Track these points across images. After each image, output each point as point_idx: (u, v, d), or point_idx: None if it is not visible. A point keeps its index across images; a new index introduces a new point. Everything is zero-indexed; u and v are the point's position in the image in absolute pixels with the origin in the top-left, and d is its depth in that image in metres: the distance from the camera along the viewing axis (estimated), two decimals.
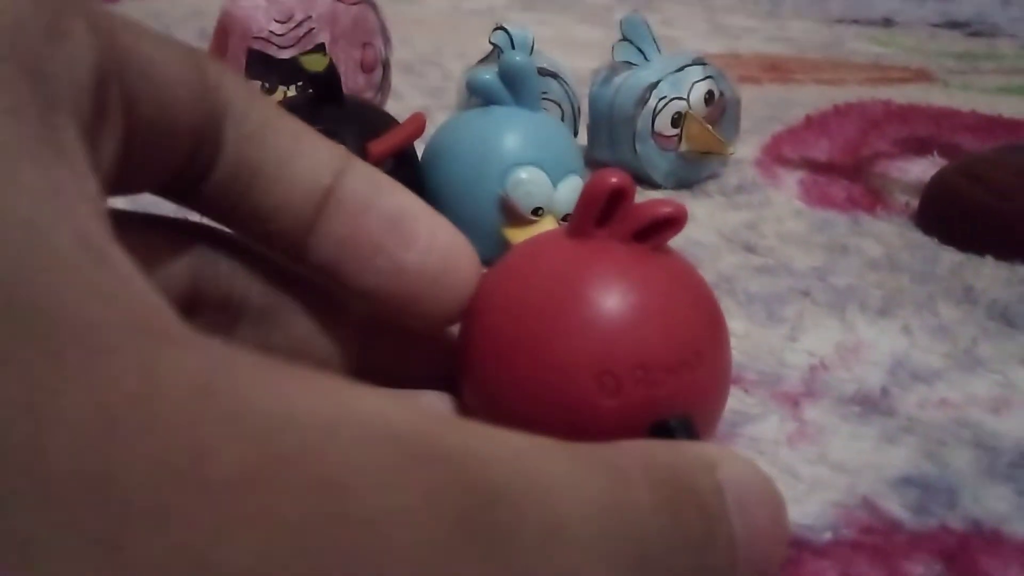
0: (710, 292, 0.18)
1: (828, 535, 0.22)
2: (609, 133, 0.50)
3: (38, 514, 0.07)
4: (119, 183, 0.14)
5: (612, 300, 0.17)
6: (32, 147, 0.10)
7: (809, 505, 0.23)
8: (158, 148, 0.14)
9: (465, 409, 0.19)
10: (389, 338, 0.19)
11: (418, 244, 0.17)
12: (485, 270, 0.18)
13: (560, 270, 0.17)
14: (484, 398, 0.18)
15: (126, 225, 0.11)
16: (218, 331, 0.18)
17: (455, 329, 0.19)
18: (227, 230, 0.18)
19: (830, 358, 0.31)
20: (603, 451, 0.12)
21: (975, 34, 1.04)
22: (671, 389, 0.16)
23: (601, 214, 0.17)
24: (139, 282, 0.10)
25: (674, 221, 0.17)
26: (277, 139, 0.16)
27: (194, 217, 0.17)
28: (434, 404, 0.19)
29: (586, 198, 0.17)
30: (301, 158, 0.16)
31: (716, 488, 0.12)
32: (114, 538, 0.07)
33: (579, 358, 0.16)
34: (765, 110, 0.65)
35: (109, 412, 0.08)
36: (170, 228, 0.17)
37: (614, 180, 0.17)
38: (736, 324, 0.33)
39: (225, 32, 0.45)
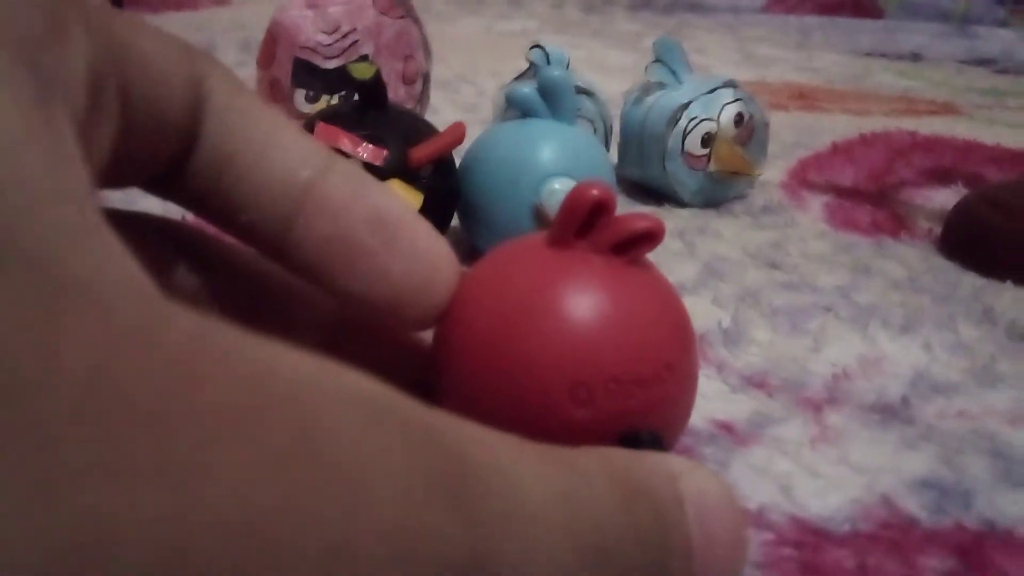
0: (683, 307, 0.18)
1: (847, 527, 0.23)
2: (639, 151, 0.51)
3: (48, 404, 0.08)
4: (113, 176, 0.14)
5: (588, 312, 0.17)
6: (33, 131, 0.10)
7: (829, 500, 0.24)
8: (150, 140, 0.15)
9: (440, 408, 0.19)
10: (357, 337, 0.19)
11: (402, 249, 0.17)
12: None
13: (538, 279, 0.17)
14: (458, 402, 0.18)
15: None
16: None
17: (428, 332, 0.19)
18: (195, 229, 0.18)
19: (852, 369, 0.32)
20: (567, 452, 0.13)
21: (1002, 71, 1.05)
22: (642, 402, 0.16)
23: (581, 225, 0.17)
24: (129, 256, 0.11)
25: (652, 235, 0.17)
26: (254, 131, 0.16)
27: (174, 210, 0.18)
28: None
29: (567, 209, 0.17)
30: (278, 151, 0.16)
31: (674, 496, 0.13)
32: (114, 439, 0.08)
33: (553, 368, 0.16)
34: (792, 136, 0.66)
35: (112, 350, 0.09)
36: (142, 223, 0.17)
37: (596, 192, 0.17)
38: (760, 334, 0.34)
39: (273, 40, 0.47)
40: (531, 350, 0.16)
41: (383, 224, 0.17)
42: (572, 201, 0.17)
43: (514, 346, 0.17)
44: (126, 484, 0.08)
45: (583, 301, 0.17)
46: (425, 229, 0.17)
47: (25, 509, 0.07)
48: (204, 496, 0.08)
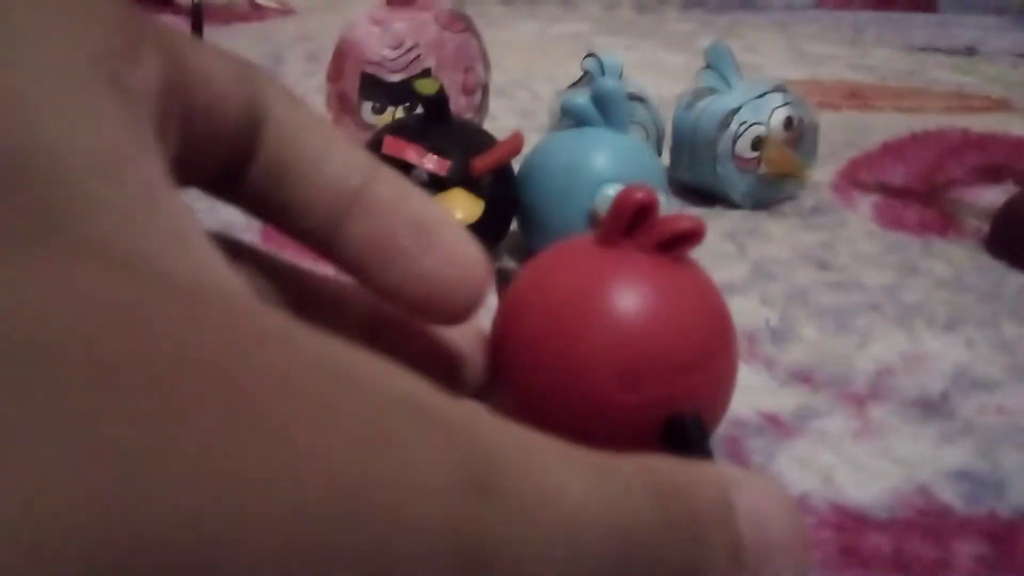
0: (722, 300, 0.20)
1: (885, 514, 0.25)
2: (691, 155, 0.53)
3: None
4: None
5: (635, 305, 0.18)
6: (129, 149, 0.12)
7: (869, 490, 0.26)
8: (208, 148, 0.16)
9: (497, 400, 0.20)
10: (394, 333, 0.21)
11: (437, 252, 0.18)
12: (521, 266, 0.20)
13: (589, 275, 0.19)
14: (516, 390, 0.19)
15: None
16: None
17: (470, 326, 0.20)
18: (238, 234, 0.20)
19: (896, 365, 0.34)
20: (603, 455, 0.13)
21: None
22: (684, 387, 0.18)
23: (628, 226, 0.19)
24: (220, 259, 0.12)
25: (693, 234, 0.18)
26: (310, 143, 0.18)
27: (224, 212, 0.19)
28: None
29: (615, 211, 0.19)
30: (331, 161, 0.18)
31: (717, 498, 0.14)
32: (234, 418, 0.09)
33: (603, 356, 0.18)
34: (843, 136, 0.67)
35: (211, 339, 0.10)
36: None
37: (640, 195, 0.18)
38: (807, 331, 0.36)
39: (342, 56, 0.49)
40: (582, 341, 0.18)
41: (422, 228, 0.18)
42: (619, 204, 0.19)
43: (567, 337, 0.18)
44: (243, 454, 0.09)
45: (630, 295, 0.18)
46: (459, 234, 0.19)
47: (171, 481, 0.08)
48: (296, 464, 0.09)
